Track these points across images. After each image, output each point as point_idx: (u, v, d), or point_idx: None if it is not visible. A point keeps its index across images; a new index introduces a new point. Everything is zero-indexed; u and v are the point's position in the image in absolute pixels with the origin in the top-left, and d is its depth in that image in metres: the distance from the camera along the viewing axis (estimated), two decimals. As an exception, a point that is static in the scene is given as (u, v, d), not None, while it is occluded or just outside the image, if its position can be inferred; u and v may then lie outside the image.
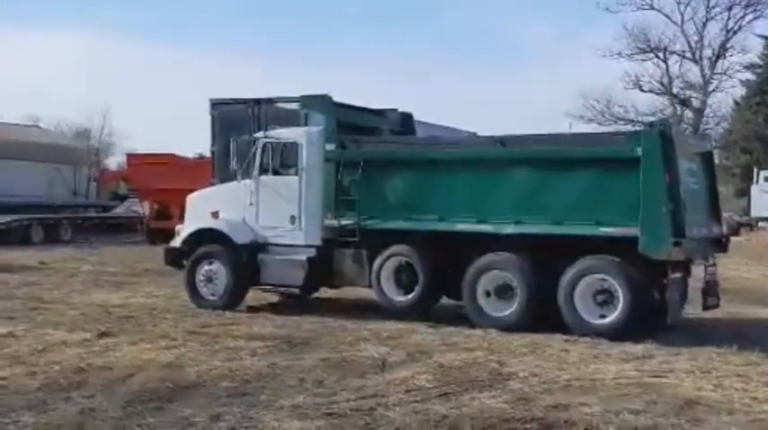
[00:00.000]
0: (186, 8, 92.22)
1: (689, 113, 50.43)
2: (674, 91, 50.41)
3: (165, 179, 28.78)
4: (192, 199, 14.52)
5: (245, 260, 13.20)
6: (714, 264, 12.15)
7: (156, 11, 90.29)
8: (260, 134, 13.48)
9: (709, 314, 12.23)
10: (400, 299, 12.51)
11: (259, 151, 13.32)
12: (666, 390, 8.21)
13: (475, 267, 11.89)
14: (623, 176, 11.05)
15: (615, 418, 7.18)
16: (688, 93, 50.67)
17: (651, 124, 11.81)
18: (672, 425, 7.04)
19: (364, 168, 12.60)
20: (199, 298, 13.47)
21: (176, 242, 13.97)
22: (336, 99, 13.27)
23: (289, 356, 9.70)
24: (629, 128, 42.41)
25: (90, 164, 41.63)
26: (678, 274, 11.22)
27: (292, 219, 13.06)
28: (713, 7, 49.34)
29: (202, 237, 13.63)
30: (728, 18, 49.37)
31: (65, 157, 38.27)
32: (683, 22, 49.71)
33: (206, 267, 13.44)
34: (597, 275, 11.19)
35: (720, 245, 12.63)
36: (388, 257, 12.51)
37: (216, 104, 17.85)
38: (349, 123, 13.25)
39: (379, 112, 14.37)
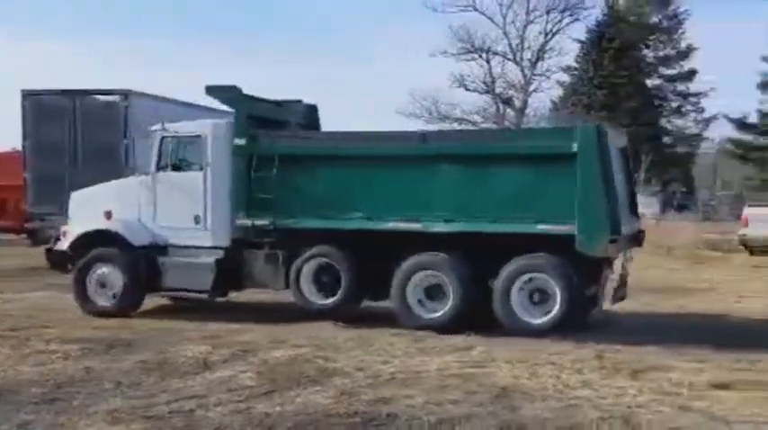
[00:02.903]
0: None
1: (511, 112, 52.44)
2: (497, 90, 52.35)
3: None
4: (77, 197, 13.32)
5: (144, 263, 12.32)
6: (631, 258, 12.21)
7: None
8: (157, 127, 12.53)
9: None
10: (322, 302, 11.86)
11: (156, 145, 12.42)
12: (485, 380, 8.43)
13: (404, 268, 11.41)
14: (558, 173, 10.83)
15: (436, 409, 7.31)
16: (510, 92, 52.78)
17: (586, 120, 11.51)
18: (488, 412, 7.23)
19: (280, 164, 11.85)
20: (89, 304, 12.46)
21: (63, 245, 12.83)
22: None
23: (106, 359, 9.31)
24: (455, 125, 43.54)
25: None
26: (608, 270, 11.24)
27: (197, 218, 12.23)
28: (533, 11, 51.58)
29: (93, 239, 12.60)
30: (547, 22, 51.77)
31: None
32: (505, 24, 51.70)
33: (98, 271, 12.47)
34: (533, 274, 10.96)
35: (637, 240, 12.43)
36: (309, 259, 11.85)
37: (28, 95, 16.98)
38: (255, 115, 12.46)
39: (284, 104, 13.50)
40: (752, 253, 21.97)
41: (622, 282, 12.02)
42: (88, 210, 12.95)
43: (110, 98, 17.29)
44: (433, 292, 11.41)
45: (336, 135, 12.95)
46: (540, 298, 11.00)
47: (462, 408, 7.33)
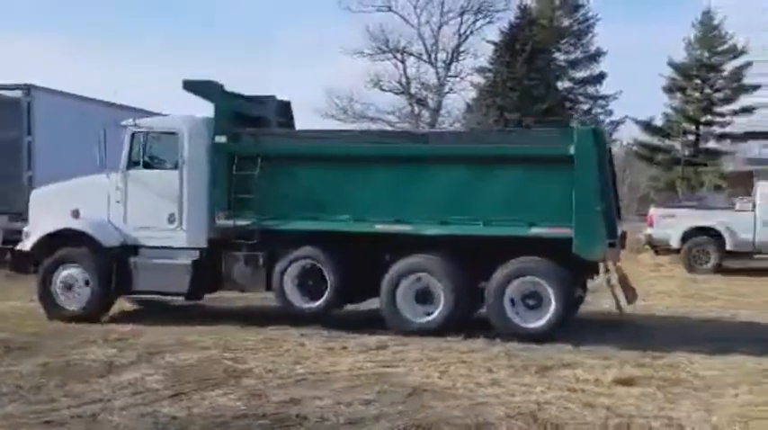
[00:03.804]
0: None
1: (425, 113, 52.77)
2: (412, 91, 52.54)
3: None
4: (40, 195, 12.68)
5: (114, 265, 11.76)
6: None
7: None
8: (129, 121, 11.98)
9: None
10: (306, 305, 11.47)
11: (127, 141, 11.83)
12: (396, 379, 8.45)
13: (394, 271, 11.10)
14: (554, 175, 10.62)
15: (346, 409, 7.29)
16: (425, 93, 53.01)
17: (583, 122, 11.16)
18: (399, 412, 7.24)
19: (263, 163, 11.39)
20: (56, 308, 11.83)
21: (26, 245, 12.15)
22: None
23: (5, 362, 9.00)
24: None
25: None
26: (607, 273, 11.13)
27: (171, 218, 11.70)
28: (447, 12, 51.98)
29: (58, 239, 11.97)
30: (461, 23, 52.27)
31: None
32: (419, 25, 51.94)
33: (64, 273, 11.85)
34: (528, 278, 10.76)
35: (622, 241, 11.92)
36: (292, 261, 11.44)
37: None
38: (233, 112, 11.98)
39: (260, 100, 12.93)
40: (657, 252, 22.55)
41: (628, 282, 11.77)
42: (53, 208, 12.30)
43: (11, 93, 16.73)
44: (424, 296, 11.13)
45: (324, 133, 12.51)
46: (533, 302, 10.78)
47: (372, 409, 7.33)
